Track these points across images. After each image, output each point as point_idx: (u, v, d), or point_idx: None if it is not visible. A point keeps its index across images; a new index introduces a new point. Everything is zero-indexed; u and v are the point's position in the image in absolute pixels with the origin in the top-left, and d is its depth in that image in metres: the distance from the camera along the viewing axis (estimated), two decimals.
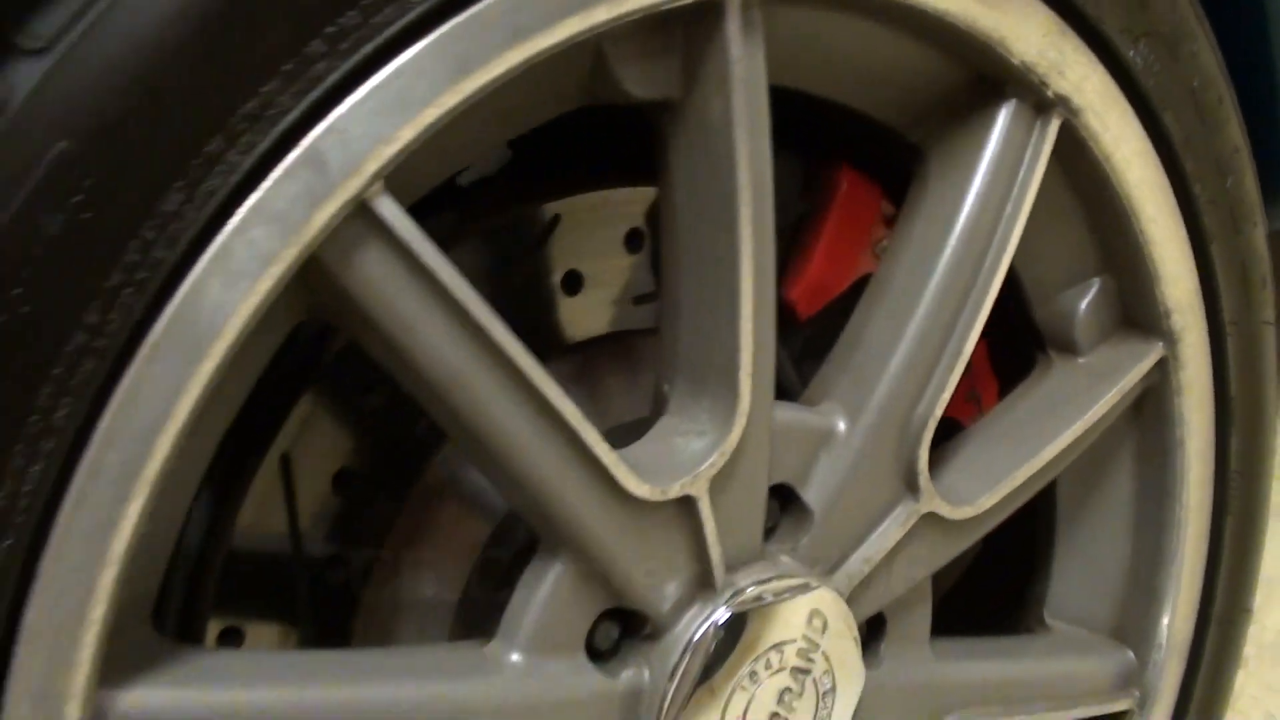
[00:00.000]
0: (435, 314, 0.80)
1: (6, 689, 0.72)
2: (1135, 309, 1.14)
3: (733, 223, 0.90)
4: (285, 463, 0.92)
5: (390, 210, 0.77)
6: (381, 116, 0.75)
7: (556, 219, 0.99)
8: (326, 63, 0.73)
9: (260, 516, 0.92)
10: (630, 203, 1.02)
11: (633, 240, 1.03)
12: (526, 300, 0.98)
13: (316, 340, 0.92)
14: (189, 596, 0.90)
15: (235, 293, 0.73)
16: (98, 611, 0.73)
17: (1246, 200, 1.16)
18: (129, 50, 0.68)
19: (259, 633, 0.95)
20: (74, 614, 0.73)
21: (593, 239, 1.01)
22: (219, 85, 0.71)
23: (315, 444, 0.93)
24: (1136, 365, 1.14)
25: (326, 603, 0.96)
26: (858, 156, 1.10)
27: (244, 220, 0.73)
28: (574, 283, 1.01)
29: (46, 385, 0.69)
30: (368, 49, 0.74)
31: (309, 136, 0.74)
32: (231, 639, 0.94)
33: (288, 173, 0.73)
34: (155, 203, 0.70)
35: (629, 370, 1.05)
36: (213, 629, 0.93)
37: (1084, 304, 1.14)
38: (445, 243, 0.81)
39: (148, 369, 0.72)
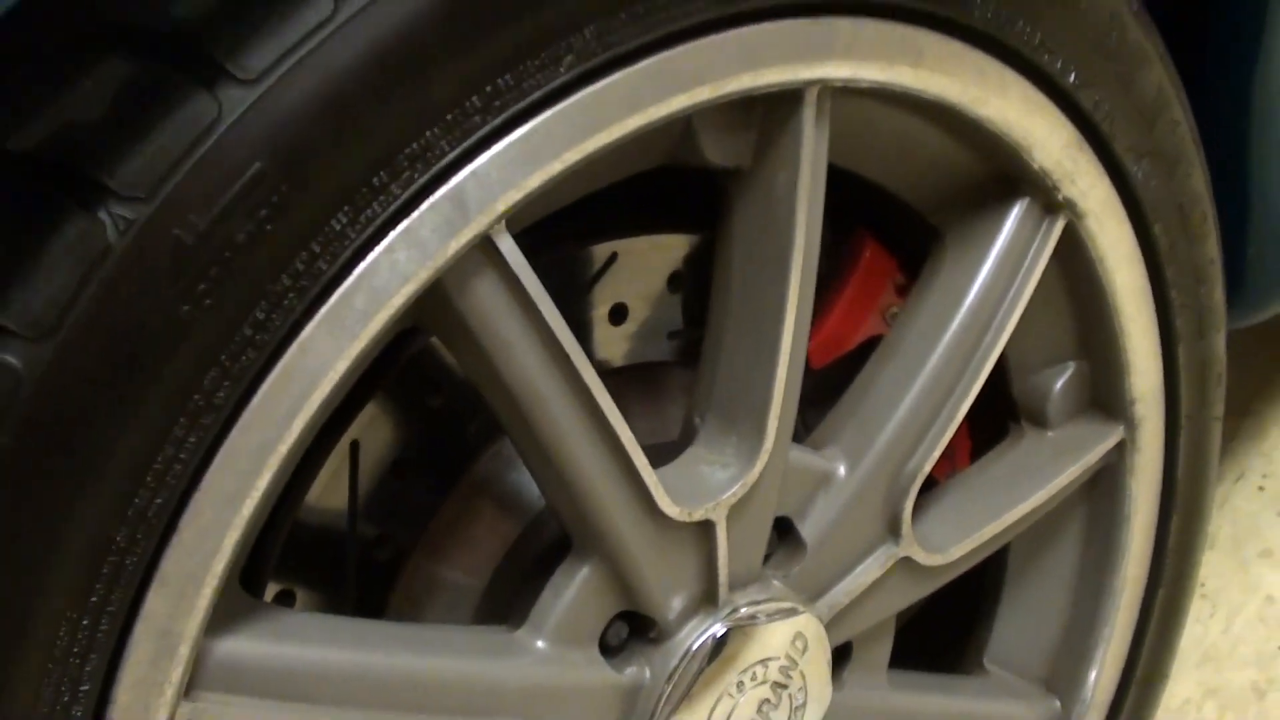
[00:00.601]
0: (530, 337, 0.94)
1: (135, 625, 0.85)
2: (1104, 394, 1.31)
3: (783, 282, 1.04)
4: (355, 449, 1.05)
5: (508, 246, 0.91)
6: (517, 165, 0.89)
7: (614, 256, 1.13)
8: (481, 116, 0.87)
9: (324, 492, 1.05)
10: (677, 247, 1.17)
11: (673, 281, 1.17)
12: (579, 326, 1.12)
13: (393, 345, 1.04)
14: (256, 557, 1.02)
15: (375, 304, 0.87)
16: (220, 566, 0.86)
17: (1215, 308, 1.33)
18: (323, 92, 0.81)
19: (308, 597, 1.08)
20: (201, 567, 0.86)
21: (642, 277, 1.15)
22: (393, 128, 0.84)
23: (381, 434, 1.07)
24: (1098, 445, 1.30)
25: (371, 576, 1.09)
26: (879, 227, 1.25)
27: (392, 243, 0.86)
28: (619, 314, 1.15)
29: (213, 369, 0.82)
30: (516, 108, 0.88)
31: (456, 177, 0.87)
32: (284, 600, 1.07)
33: (433, 206, 0.87)
34: (325, 222, 0.84)
35: (654, 397, 1.19)
36: (270, 589, 1.06)
37: (1059, 384, 1.30)
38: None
39: (295, 362, 0.85)
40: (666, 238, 1.16)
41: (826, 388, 1.24)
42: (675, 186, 1.13)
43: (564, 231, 1.09)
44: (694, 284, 1.18)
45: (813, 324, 1.22)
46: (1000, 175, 1.18)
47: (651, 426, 1.18)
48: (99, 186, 0.79)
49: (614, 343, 1.16)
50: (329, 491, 1.06)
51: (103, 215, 0.78)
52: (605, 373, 1.16)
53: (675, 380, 1.19)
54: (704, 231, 1.16)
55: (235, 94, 0.80)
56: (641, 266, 1.15)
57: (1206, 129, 1.35)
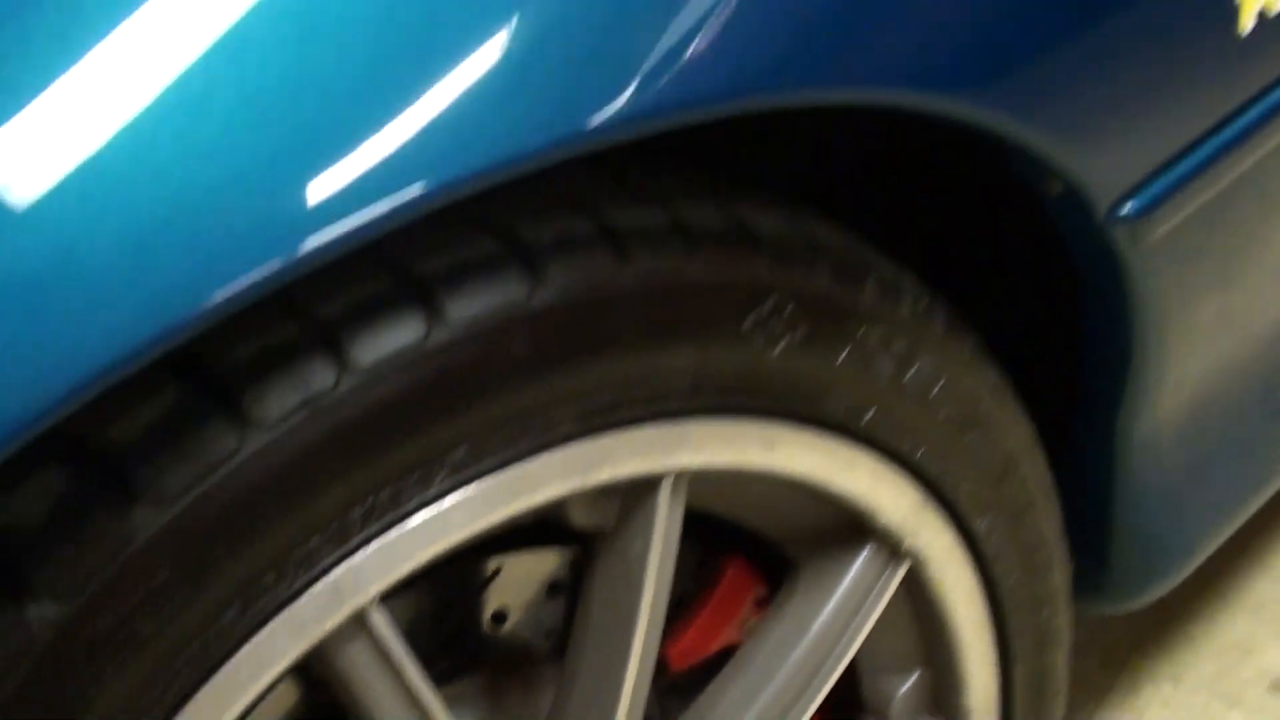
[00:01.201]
0: (394, 690, 1.16)
1: None
2: (943, 701, 1.52)
3: (630, 631, 1.26)
4: None
5: (378, 619, 1.13)
6: (391, 559, 1.11)
7: (499, 569, 1.35)
8: (361, 524, 1.09)
9: None
10: (555, 560, 1.39)
11: (554, 588, 1.39)
12: (463, 629, 1.35)
13: None
14: None
15: (258, 673, 1.09)
16: None
17: (1055, 629, 1.55)
18: (224, 513, 1.03)
19: None
20: None
21: (524, 586, 1.37)
22: (283, 539, 1.06)
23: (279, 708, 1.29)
24: None
25: None
26: (746, 545, 1.47)
27: (275, 628, 1.08)
28: (501, 618, 1.37)
29: None
30: (391, 516, 1.10)
31: (334, 573, 1.09)
32: None
33: (312, 597, 1.09)
34: (218, 617, 1.05)
35: (530, 686, 1.41)
36: None
37: (903, 689, 1.52)
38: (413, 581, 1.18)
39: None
40: (545, 551, 1.38)
41: (688, 680, 1.46)
42: None
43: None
44: (573, 590, 1.40)
45: (674, 633, 1.45)
46: (849, 525, 1.39)
47: (523, 710, 1.40)
48: (28, 586, 1.00)
49: (496, 642, 1.38)
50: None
51: (31, 611, 1.00)
52: (487, 667, 1.38)
53: (548, 674, 1.41)
54: (585, 543, 1.38)
55: (149, 516, 1.01)
56: (523, 577, 1.38)
57: (1076, 444, 1.56)
